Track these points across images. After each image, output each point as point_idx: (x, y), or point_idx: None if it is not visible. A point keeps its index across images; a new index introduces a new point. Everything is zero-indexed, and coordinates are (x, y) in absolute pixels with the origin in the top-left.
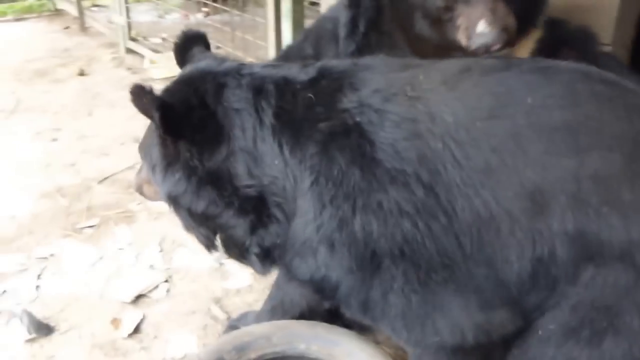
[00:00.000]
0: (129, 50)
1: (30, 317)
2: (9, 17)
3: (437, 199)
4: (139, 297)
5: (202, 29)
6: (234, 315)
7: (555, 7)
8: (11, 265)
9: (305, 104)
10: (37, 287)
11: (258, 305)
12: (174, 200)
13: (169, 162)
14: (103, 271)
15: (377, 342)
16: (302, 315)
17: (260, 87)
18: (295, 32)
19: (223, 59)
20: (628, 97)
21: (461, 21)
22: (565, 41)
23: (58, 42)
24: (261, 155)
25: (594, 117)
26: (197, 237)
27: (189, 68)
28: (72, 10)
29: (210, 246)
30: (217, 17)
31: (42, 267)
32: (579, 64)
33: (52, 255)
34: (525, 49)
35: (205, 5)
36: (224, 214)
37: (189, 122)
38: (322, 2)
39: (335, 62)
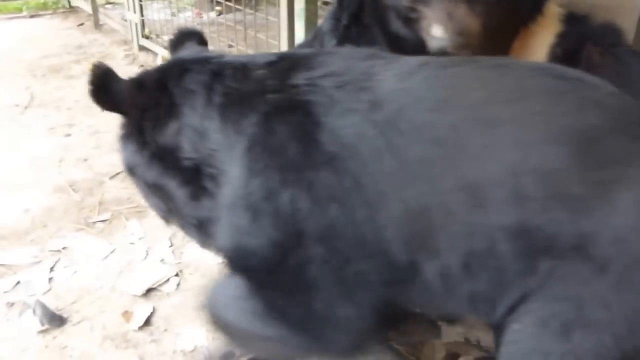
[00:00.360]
0: (142, 48)
1: (44, 308)
2: (24, 13)
3: (364, 190)
4: (149, 290)
5: (215, 28)
6: None
7: (576, 7)
8: (25, 258)
9: (256, 79)
10: (50, 279)
11: None
12: (130, 170)
13: (126, 134)
14: (115, 265)
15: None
16: None
17: (219, 71)
18: (308, 31)
19: (203, 50)
20: (585, 91)
21: (423, 23)
22: (588, 36)
23: (72, 39)
24: (206, 131)
25: (541, 112)
26: (152, 206)
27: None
28: (87, 7)
29: (164, 216)
30: (230, 15)
31: (55, 259)
32: (541, 63)
33: (64, 248)
34: (541, 43)
35: (219, 3)
36: (169, 185)
37: (141, 99)
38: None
39: (300, 49)
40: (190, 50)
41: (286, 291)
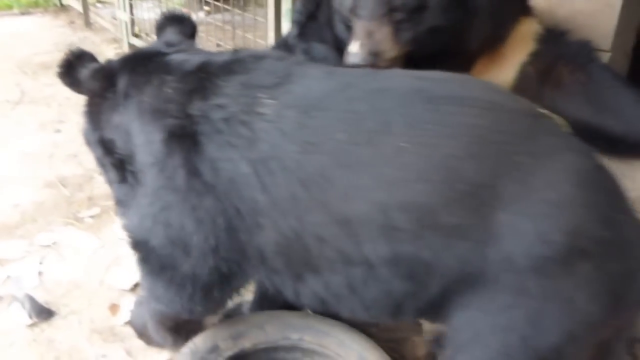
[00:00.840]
0: (132, 46)
1: (32, 301)
2: (15, 10)
3: (242, 218)
4: (137, 285)
5: (204, 27)
6: (230, 305)
7: (556, 13)
8: (14, 252)
9: (164, 98)
10: (39, 273)
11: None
12: (87, 143)
13: (85, 112)
14: (103, 259)
15: (369, 334)
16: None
17: (148, 76)
18: None
19: (169, 44)
20: (452, 115)
21: (351, 34)
22: (560, 55)
23: (63, 37)
24: (131, 132)
25: (403, 148)
26: (103, 176)
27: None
28: (77, 5)
29: (110, 187)
30: (219, 15)
31: (44, 254)
32: (422, 79)
33: (54, 242)
34: (511, 63)
35: (207, 3)
36: (108, 168)
37: (95, 88)
38: None
39: (217, 58)
40: (161, 40)
41: (167, 280)
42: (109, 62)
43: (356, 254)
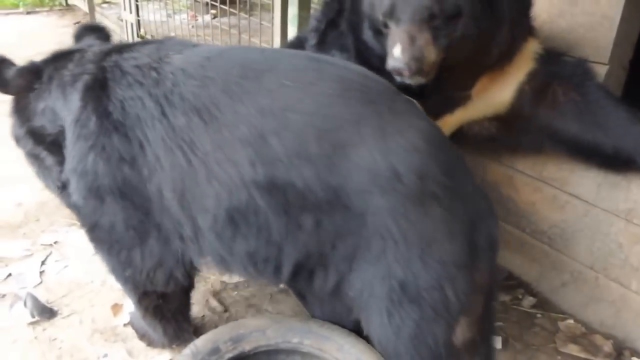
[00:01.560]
0: None
1: (34, 300)
2: (21, 9)
3: (144, 152)
4: None
5: (210, 31)
6: (232, 308)
7: (555, 25)
8: (17, 251)
9: (83, 63)
10: (42, 272)
11: (255, 300)
12: (16, 141)
13: (12, 110)
14: None
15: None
16: None
17: (69, 58)
18: None
19: (91, 43)
20: (328, 68)
21: (389, 39)
22: (557, 74)
23: (68, 37)
24: (57, 110)
25: (285, 84)
26: (35, 173)
27: None
28: (83, 6)
29: (44, 183)
30: (225, 19)
31: (46, 253)
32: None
33: (56, 242)
34: (510, 81)
35: (214, 7)
36: (42, 155)
37: (21, 83)
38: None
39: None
40: (80, 43)
41: (108, 242)
42: (32, 62)
43: (238, 181)
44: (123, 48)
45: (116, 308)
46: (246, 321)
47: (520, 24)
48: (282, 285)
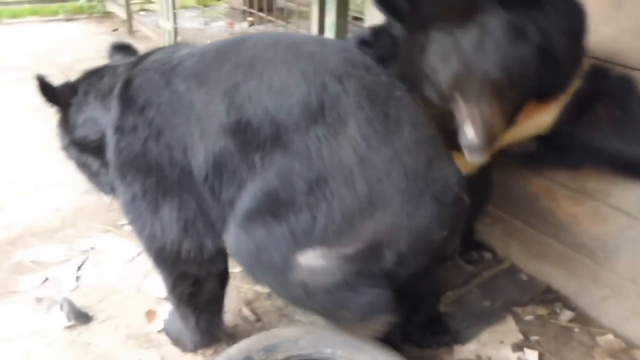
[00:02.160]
0: None
1: (70, 305)
2: (61, 16)
3: (158, 118)
4: None
5: None
6: (264, 317)
7: (599, 32)
8: (54, 256)
9: (117, 74)
10: (78, 277)
11: (288, 309)
12: (63, 150)
13: (58, 122)
14: (140, 266)
15: (400, 351)
16: None
17: (102, 74)
18: None
19: (117, 61)
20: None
21: (457, 111)
22: (600, 91)
23: (106, 44)
24: (97, 118)
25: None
26: (85, 179)
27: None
28: (121, 13)
29: (93, 186)
30: (261, 27)
31: (83, 258)
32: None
33: (92, 248)
34: (556, 104)
35: (251, 14)
36: (90, 162)
37: (63, 98)
38: (366, 17)
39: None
40: (112, 60)
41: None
42: (67, 81)
43: (219, 130)
44: (149, 53)
45: (150, 315)
46: (279, 331)
47: (576, 58)
48: None
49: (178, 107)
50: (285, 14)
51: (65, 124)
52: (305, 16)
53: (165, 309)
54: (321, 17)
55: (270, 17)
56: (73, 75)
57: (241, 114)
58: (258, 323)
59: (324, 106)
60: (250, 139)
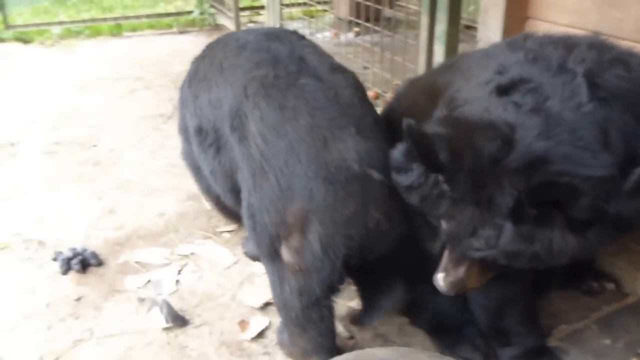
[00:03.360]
0: None
1: (169, 308)
2: (174, 29)
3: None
4: (267, 304)
5: (352, 49)
6: (358, 335)
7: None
8: (157, 259)
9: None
10: (177, 281)
11: (383, 329)
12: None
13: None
14: (236, 275)
15: None
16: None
17: None
18: (448, 55)
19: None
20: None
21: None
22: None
23: None
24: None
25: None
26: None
27: None
28: (231, 26)
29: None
30: (368, 37)
31: (183, 263)
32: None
33: (192, 253)
34: None
35: (357, 25)
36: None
37: None
38: (479, 26)
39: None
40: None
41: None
42: None
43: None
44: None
45: (243, 324)
46: (373, 351)
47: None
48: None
49: (207, 85)
50: (392, 24)
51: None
52: (413, 26)
53: (258, 320)
54: (431, 26)
55: (376, 27)
56: None
57: (199, 120)
58: (351, 340)
59: (235, 113)
60: (204, 139)
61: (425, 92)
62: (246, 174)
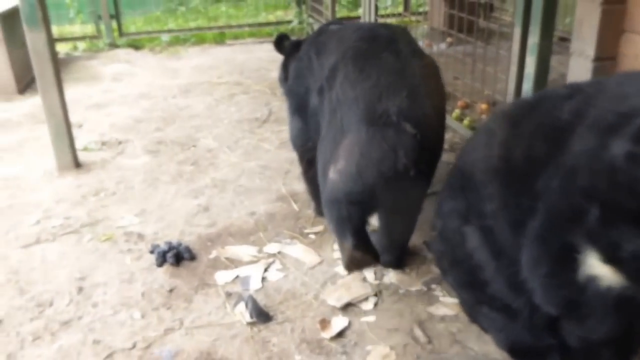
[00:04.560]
0: None
1: (255, 303)
2: (274, 38)
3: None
4: (348, 305)
5: (443, 59)
6: (435, 340)
7: None
8: (246, 256)
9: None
10: (264, 278)
11: (461, 336)
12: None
13: (281, 66)
14: (320, 275)
15: None
16: None
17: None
18: (539, 67)
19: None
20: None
21: None
22: None
23: None
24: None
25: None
26: None
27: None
28: None
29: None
30: (460, 47)
31: (269, 261)
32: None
33: (279, 252)
34: None
35: (450, 35)
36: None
37: (289, 52)
38: (573, 39)
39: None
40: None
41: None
42: (297, 39)
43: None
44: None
45: (324, 323)
46: (450, 357)
47: None
48: None
49: (311, 66)
50: (485, 35)
51: (285, 69)
52: (506, 37)
53: (339, 319)
54: (524, 38)
55: (469, 38)
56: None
57: (321, 82)
58: (429, 345)
59: (333, 69)
60: (321, 97)
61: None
62: (326, 115)
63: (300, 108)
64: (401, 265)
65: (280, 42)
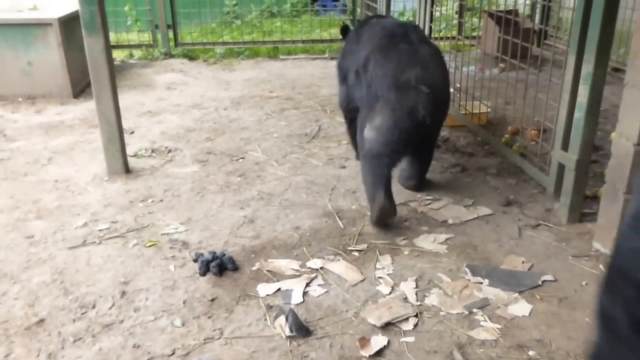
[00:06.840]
0: None
1: (295, 317)
2: (326, 55)
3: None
4: (388, 324)
5: (495, 84)
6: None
7: None
8: (288, 269)
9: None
10: (305, 293)
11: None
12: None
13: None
14: (362, 293)
15: None
16: None
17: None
18: (592, 97)
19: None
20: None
21: None
22: None
23: None
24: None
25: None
26: None
27: None
28: None
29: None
30: (513, 73)
31: (312, 276)
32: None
33: (322, 268)
34: None
35: (503, 61)
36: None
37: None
38: (627, 69)
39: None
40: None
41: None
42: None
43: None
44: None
45: (363, 341)
46: None
47: None
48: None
49: (352, 50)
50: (539, 62)
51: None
52: (560, 65)
53: (378, 338)
54: (577, 66)
55: (522, 65)
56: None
57: (357, 66)
58: None
59: (366, 59)
60: (357, 76)
61: None
62: (363, 90)
63: (343, 79)
64: (421, 188)
65: (344, 30)
